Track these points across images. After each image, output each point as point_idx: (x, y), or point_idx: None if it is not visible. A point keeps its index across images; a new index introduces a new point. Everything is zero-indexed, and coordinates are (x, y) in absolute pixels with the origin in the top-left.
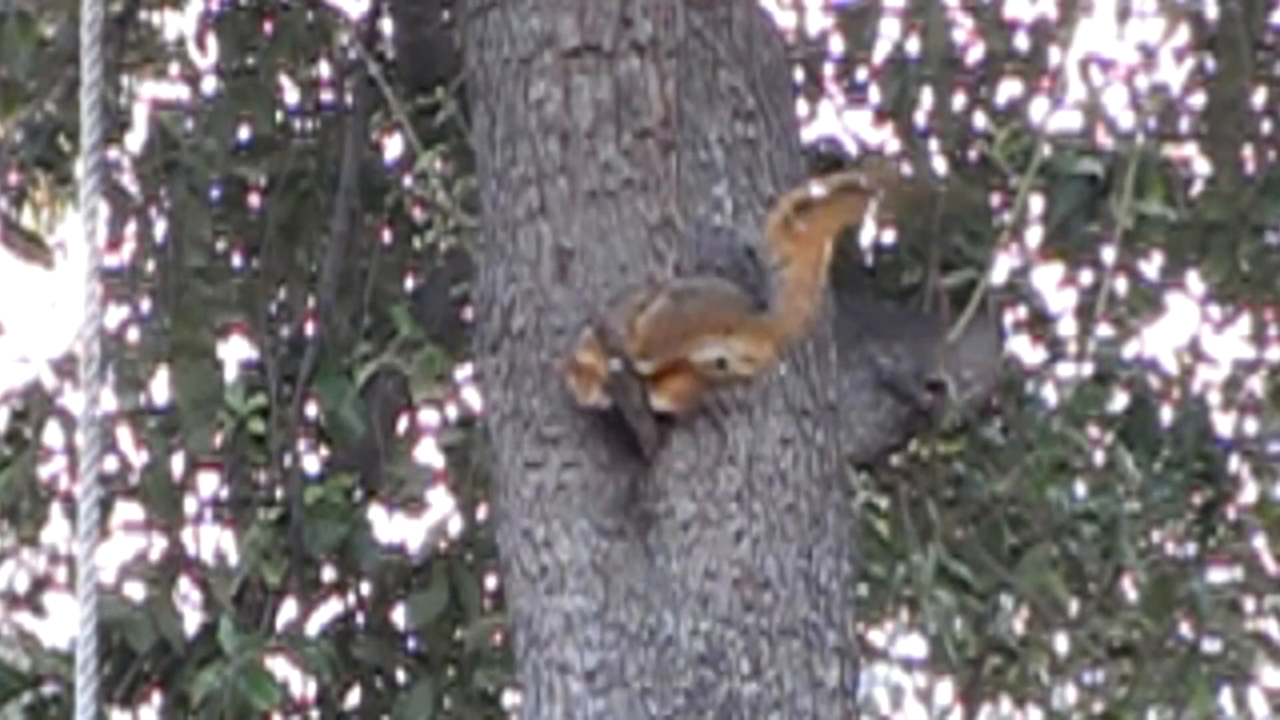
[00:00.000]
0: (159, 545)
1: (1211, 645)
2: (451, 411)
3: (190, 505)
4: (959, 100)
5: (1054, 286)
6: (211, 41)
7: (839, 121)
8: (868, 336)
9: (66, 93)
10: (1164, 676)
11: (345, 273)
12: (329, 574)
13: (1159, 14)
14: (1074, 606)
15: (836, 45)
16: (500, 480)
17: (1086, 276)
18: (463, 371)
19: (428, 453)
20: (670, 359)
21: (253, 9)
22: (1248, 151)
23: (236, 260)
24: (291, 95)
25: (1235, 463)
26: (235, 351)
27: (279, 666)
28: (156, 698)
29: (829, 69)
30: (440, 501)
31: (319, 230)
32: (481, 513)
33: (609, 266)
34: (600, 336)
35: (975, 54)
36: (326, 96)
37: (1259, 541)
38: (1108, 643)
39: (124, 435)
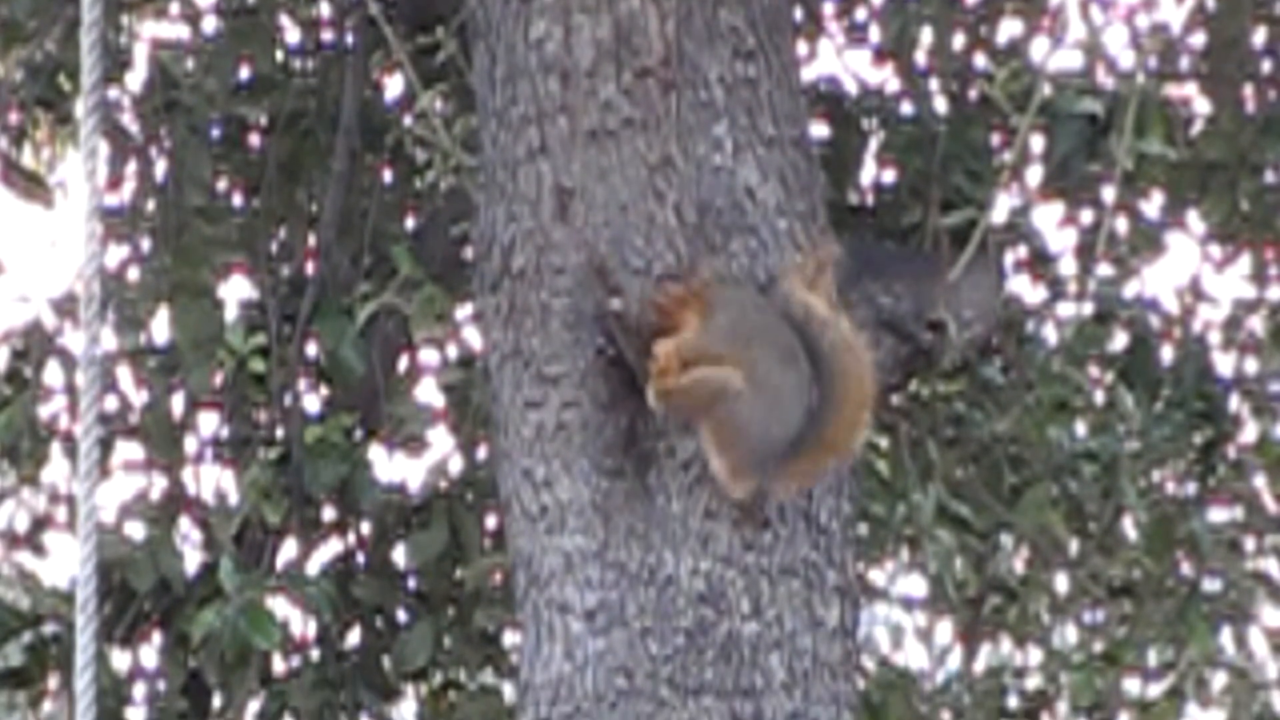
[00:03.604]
0: (159, 485)
1: (1212, 584)
2: (452, 351)
3: (190, 444)
4: (959, 39)
5: (1054, 226)
6: None
7: (839, 61)
8: (867, 276)
9: (67, 32)
10: (1164, 616)
11: (345, 212)
12: (329, 513)
13: None
14: (1074, 546)
15: None
16: (500, 419)
17: (1087, 216)
18: (463, 311)
19: (428, 392)
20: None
21: None
22: (1248, 91)
23: (237, 200)
24: (292, 34)
25: (1235, 402)
26: (235, 291)
27: (279, 606)
28: (157, 637)
29: (829, 8)
30: (440, 441)
31: (319, 170)
32: (482, 452)
33: (609, 206)
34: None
35: None
36: (327, 36)
37: (1259, 481)
38: (1108, 582)
39: (124, 374)
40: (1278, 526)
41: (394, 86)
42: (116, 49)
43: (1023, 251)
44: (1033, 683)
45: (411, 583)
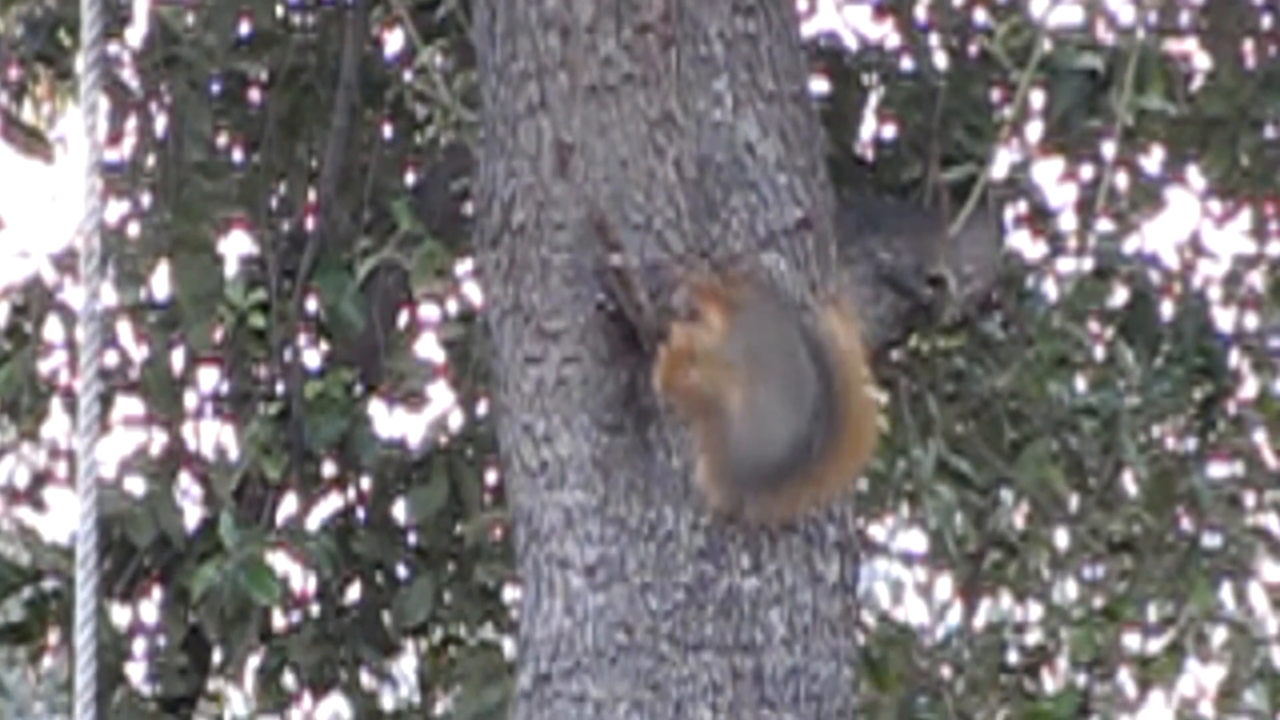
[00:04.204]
0: (159, 440)
1: (1212, 540)
2: (452, 306)
3: (190, 400)
4: None
5: (1054, 181)
6: None
7: (839, 16)
8: (868, 231)
9: None
10: (1164, 571)
11: (345, 167)
12: (329, 469)
13: None
14: (1074, 501)
15: None
16: (500, 375)
17: (1087, 171)
18: (463, 266)
19: (428, 347)
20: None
21: None
22: (1248, 46)
23: (237, 155)
24: None
25: (1235, 357)
26: (235, 246)
27: (279, 561)
28: (156, 592)
29: None
30: (440, 396)
31: (319, 125)
32: (482, 407)
33: (609, 161)
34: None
35: None
36: None
37: (1259, 436)
38: (1108, 538)
39: (124, 330)
40: (1278, 482)
41: (394, 42)
42: (116, 4)
43: (1023, 207)
44: (1033, 638)
45: (411, 538)
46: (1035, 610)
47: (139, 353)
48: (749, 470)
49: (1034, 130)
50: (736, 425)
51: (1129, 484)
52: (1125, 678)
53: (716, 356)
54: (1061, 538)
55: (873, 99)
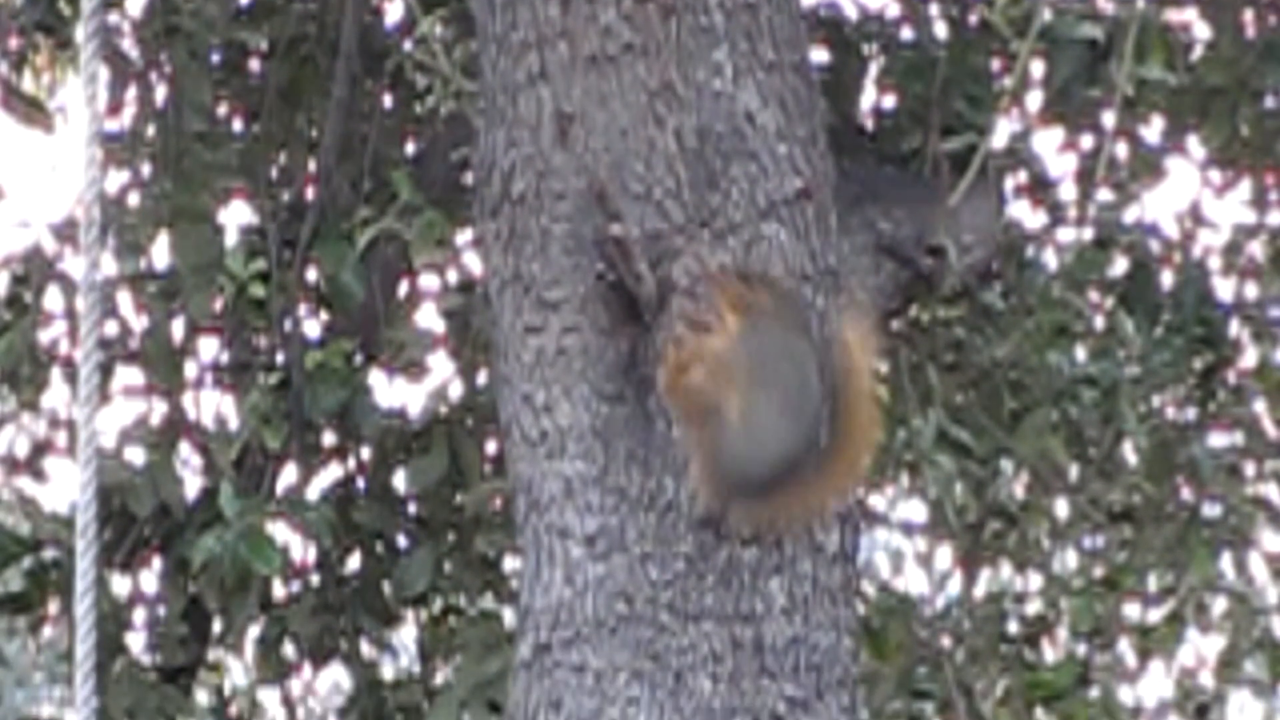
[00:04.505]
0: (159, 410)
1: (1212, 510)
2: (452, 276)
3: (190, 370)
4: None
5: (1054, 151)
6: None
7: None
8: (868, 201)
9: None
10: (1164, 541)
11: (346, 137)
12: (329, 438)
13: None
14: (1074, 471)
15: None
16: (500, 345)
17: (1087, 141)
18: (463, 236)
19: (428, 317)
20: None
21: None
22: (1248, 15)
23: (237, 125)
24: None
25: (1235, 327)
26: (235, 216)
27: (279, 531)
28: (156, 562)
29: None
30: (440, 366)
31: (319, 95)
32: (482, 377)
33: (609, 131)
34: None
35: None
36: None
37: (1259, 406)
38: (1108, 507)
39: (124, 300)
40: (1278, 451)
41: (394, 11)
42: None
43: (1023, 177)
44: (1033, 608)
45: (411, 508)
46: (1035, 580)
47: (139, 322)
48: (737, 478)
49: (1034, 100)
50: (731, 432)
51: (1129, 454)
52: (1125, 647)
53: (723, 361)
54: (1061, 507)
55: (873, 69)
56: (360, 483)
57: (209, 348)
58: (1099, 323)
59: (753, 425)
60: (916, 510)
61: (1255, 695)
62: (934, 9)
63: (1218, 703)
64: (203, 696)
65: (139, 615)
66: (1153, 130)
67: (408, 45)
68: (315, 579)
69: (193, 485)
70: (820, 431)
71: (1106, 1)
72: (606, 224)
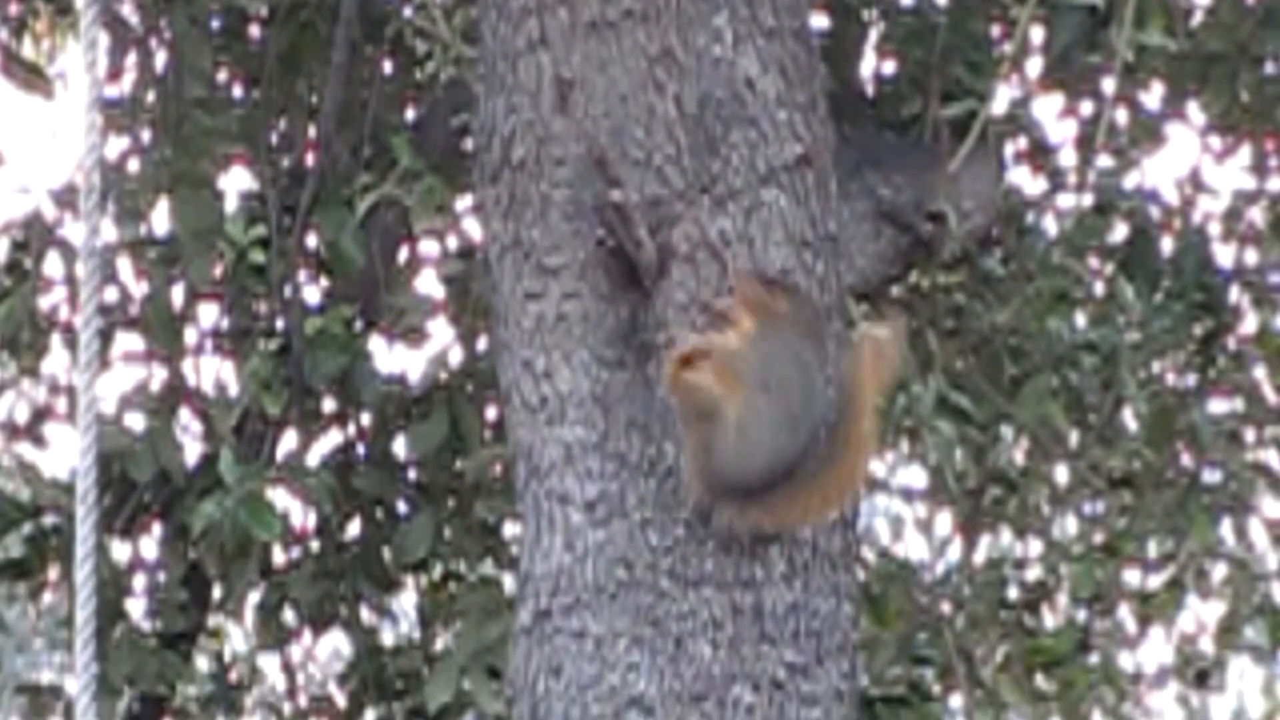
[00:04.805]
0: (159, 376)
1: (1212, 476)
2: (452, 242)
3: (190, 336)
4: None
5: (1054, 117)
6: None
7: None
8: (868, 167)
9: None
10: (1164, 507)
11: (346, 103)
12: (329, 404)
13: None
14: (1074, 437)
15: None
16: (500, 311)
17: (1087, 107)
18: (463, 202)
19: (428, 283)
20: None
21: None
22: None
23: (237, 91)
24: None
25: (1235, 293)
26: (235, 182)
27: (279, 497)
28: (156, 528)
29: None
30: (440, 332)
31: (319, 61)
32: (482, 343)
33: (609, 97)
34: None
35: None
36: None
37: (1259, 372)
38: (1108, 473)
39: (124, 266)
40: (1278, 418)
41: None
42: None
43: (1023, 143)
44: (1033, 574)
45: (412, 474)
46: (1035, 546)
47: (139, 288)
48: (726, 480)
49: (1034, 66)
50: (726, 434)
51: (1129, 420)
52: (1125, 613)
53: (728, 367)
54: (1061, 473)
55: (873, 35)
56: (360, 449)
57: (209, 314)
58: (1099, 289)
59: (748, 430)
60: (916, 476)
61: (1255, 661)
62: None
63: (1218, 668)
64: (203, 662)
65: (139, 581)
66: (1153, 96)
67: (408, 11)
68: (315, 545)
69: (193, 451)
70: (818, 443)
71: None
72: (606, 190)
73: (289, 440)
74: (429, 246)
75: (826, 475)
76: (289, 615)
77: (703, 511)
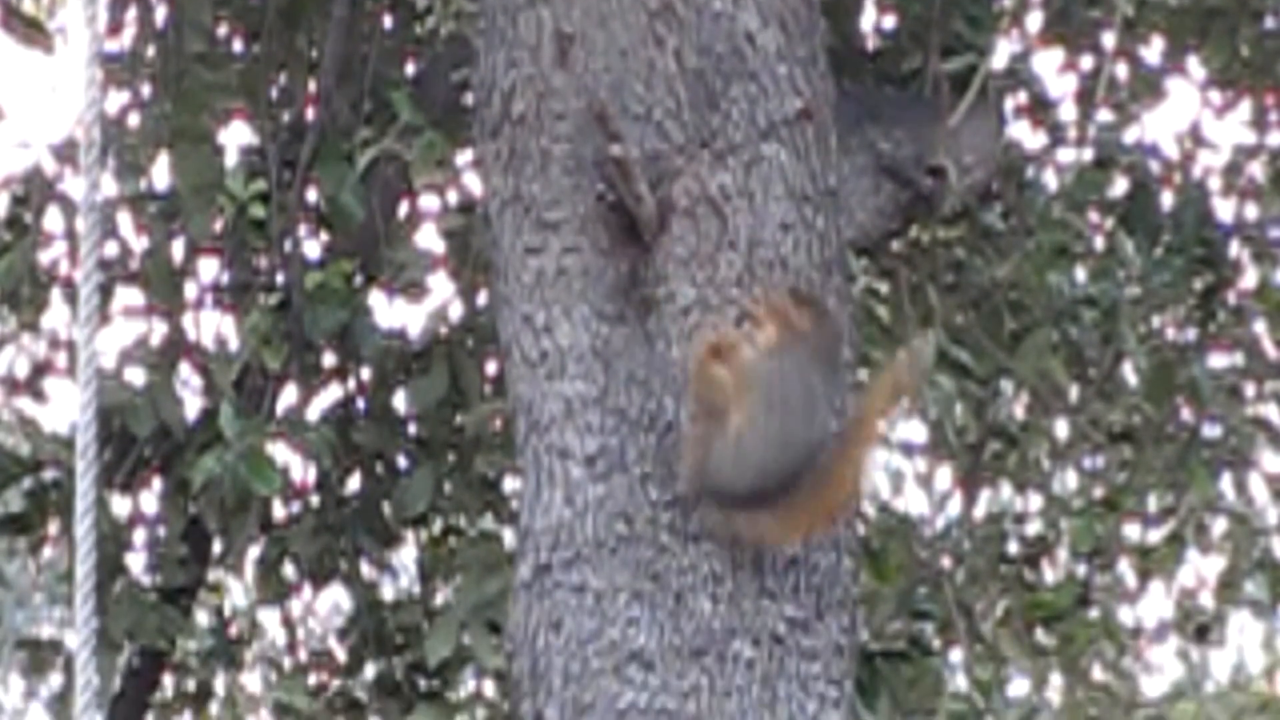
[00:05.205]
0: (159, 330)
1: (1212, 430)
2: (452, 196)
3: (190, 290)
4: None
5: (1054, 72)
6: None
7: None
8: (868, 122)
9: None
10: (1164, 462)
11: (346, 58)
12: (329, 359)
13: None
14: (1074, 392)
15: None
16: (500, 265)
17: (1087, 62)
18: (463, 157)
19: (428, 238)
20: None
21: None
22: None
23: (237, 45)
24: None
25: (1235, 247)
26: (236, 137)
27: (279, 452)
28: (157, 483)
29: None
30: (440, 286)
31: (320, 15)
32: (482, 298)
33: (609, 52)
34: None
35: None
36: None
37: (1259, 326)
38: (1108, 428)
39: (124, 220)
40: (1278, 372)
41: None
42: None
43: (1023, 97)
44: (1033, 528)
45: (411, 428)
46: (1035, 500)
47: (139, 243)
48: (715, 484)
49: (1034, 20)
50: (723, 440)
51: (1129, 374)
52: (1125, 568)
53: (744, 373)
54: (1061, 428)
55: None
56: (360, 403)
57: (209, 268)
58: (1099, 243)
59: (744, 441)
60: (917, 431)
61: (1255, 616)
62: None
63: (1217, 623)
64: (203, 617)
65: (139, 536)
66: (1153, 51)
67: None
68: (315, 500)
69: (193, 406)
70: (809, 467)
71: None
72: (606, 144)
73: (289, 395)
74: (429, 201)
75: (813, 500)
76: (289, 570)
77: (689, 504)
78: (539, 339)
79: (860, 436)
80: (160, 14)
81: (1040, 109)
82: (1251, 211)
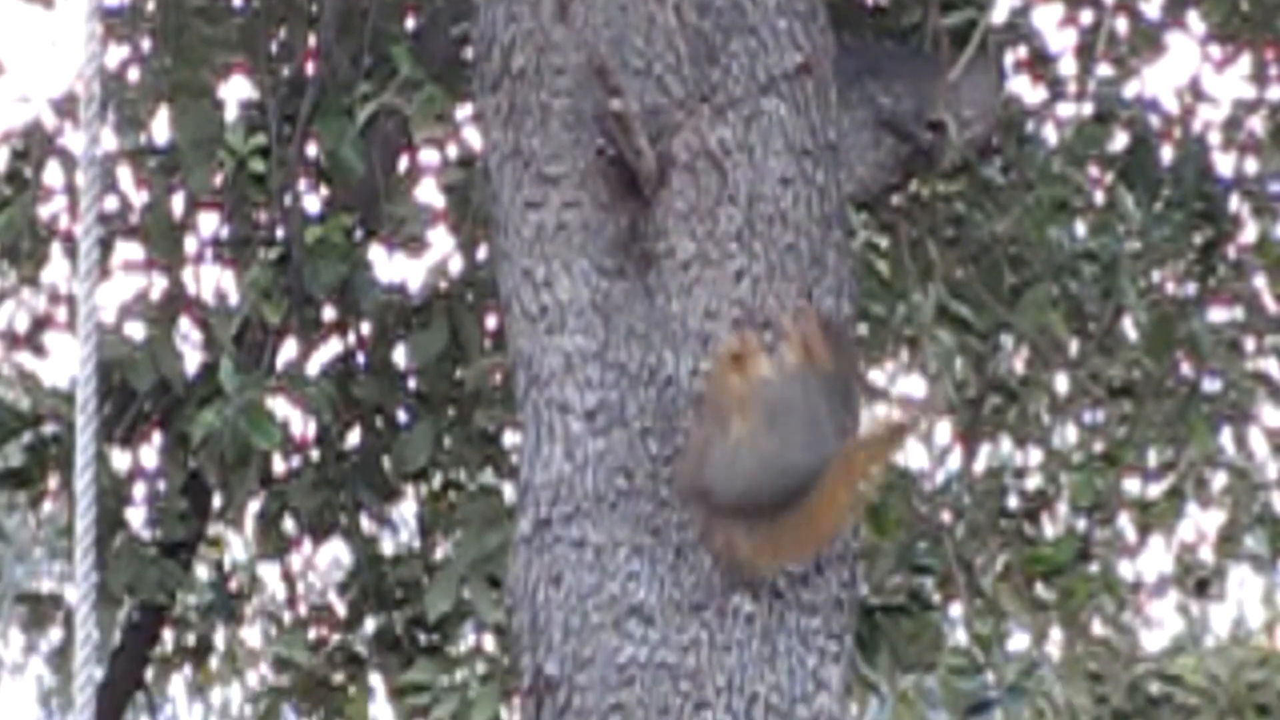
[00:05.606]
0: (159, 285)
1: (1212, 384)
2: (452, 151)
3: (190, 245)
4: None
5: (1054, 26)
6: None
7: None
8: (868, 76)
9: None
10: (1164, 416)
11: (346, 12)
12: (329, 313)
13: None
14: (1074, 346)
15: None
16: (500, 220)
17: (1087, 16)
18: (463, 111)
19: (428, 192)
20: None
21: None
22: None
23: (237, 0)
24: None
25: (1235, 202)
26: (235, 91)
27: (279, 406)
28: (156, 437)
29: None
30: (440, 241)
31: None
32: (482, 252)
33: (609, 6)
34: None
35: None
36: None
37: (1259, 281)
38: (1108, 382)
39: (124, 175)
40: (1278, 326)
41: None
42: None
43: (1023, 51)
44: (1033, 483)
45: (411, 383)
46: (1035, 455)
47: (139, 198)
48: (704, 491)
49: None
50: (724, 449)
51: (1129, 329)
52: (1125, 522)
53: (760, 384)
54: (1061, 382)
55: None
56: (360, 358)
57: (209, 223)
58: (1099, 198)
59: (741, 453)
60: (916, 385)
61: (1255, 570)
62: None
63: (1217, 577)
64: (202, 571)
65: (139, 490)
66: (1153, 5)
67: None
68: (315, 454)
69: (193, 360)
70: (795, 498)
71: None
72: (606, 99)
73: (289, 349)
74: (429, 155)
75: (790, 530)
76: (289, 524)
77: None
78: (539, 293)
79: (849, 476)
80: None
81: (1040, 63)
82: (1251, 166)
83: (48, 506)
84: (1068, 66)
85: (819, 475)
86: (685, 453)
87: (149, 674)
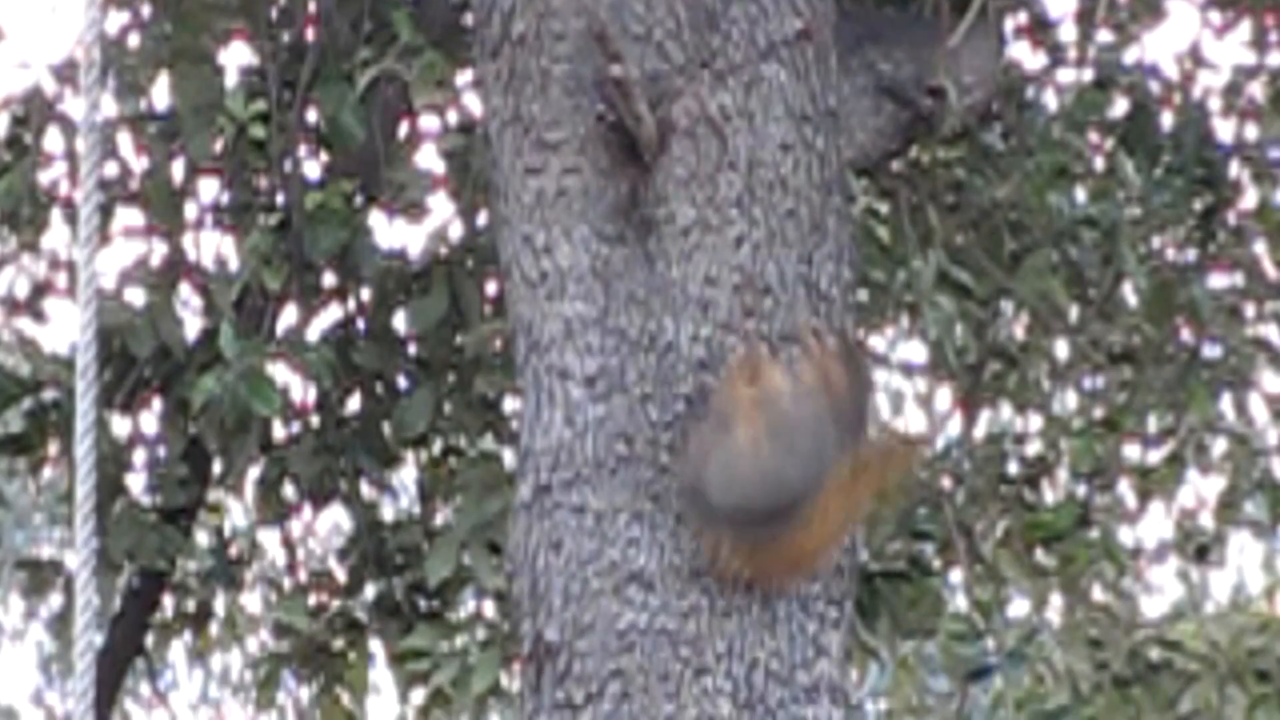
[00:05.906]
0: (159, 251)
1: (1212, 351)
2: (452, 117)
3: (191, 210)
4: None
5: None
6: None
7: None
8: (868, 42)
9: None
10: (1164, 382)
11: None
12: (329, 279)
13: None
14: (1074, 312)
15: None
16: (500, 186)
17: None
18: (463, 77)
19: (428, 158)
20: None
21: None
22: None
23: None
24: None
25: (1235, 168)
26: (236, 57)
27: (279, 372)
28: (156, 403)
29: None
30: (441, 207)
31: None
32: (482, 218)
33: None
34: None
35: None
36: None
37: (1259, 247)
38: (1108, 348)
39: (124, 140)
40: (1278, 292)
41: None
42: None
43: (1023, 17)
44: (1033, 449)
45: (412, 349)
46: (1035, 421)
47: (139, 163)
48: (700, 493)
49: None
50: (725, 456)
51: (1129, 295)
52: (1125, 488)
53: (770, 395)
54: (1061, 348)
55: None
56: (360, 324)
57: (209, 189)
58: (1099, 164)
59: (741, 462)
60: (916, 351)
61: (1255, 536)
62: None
63: (1217, 544)
64: (203, 537)
65: (139, 456)
66: None
67: None
68: (315, 420)
69: (193, 326)
70: (787, 517)
71: None
72: (607, 65)
73: (289, 315)
74: (429, 121)
75: (776, 549)
76: (289, 490)
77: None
78: (539, 259)
79: (843, 500)
80: None
81: (1040, 29)
82: (1251, 132)
83: (48, 472)
84: (1068, 32)
85: (814, 495)
86: (685, 454)
87: (149, 640)
